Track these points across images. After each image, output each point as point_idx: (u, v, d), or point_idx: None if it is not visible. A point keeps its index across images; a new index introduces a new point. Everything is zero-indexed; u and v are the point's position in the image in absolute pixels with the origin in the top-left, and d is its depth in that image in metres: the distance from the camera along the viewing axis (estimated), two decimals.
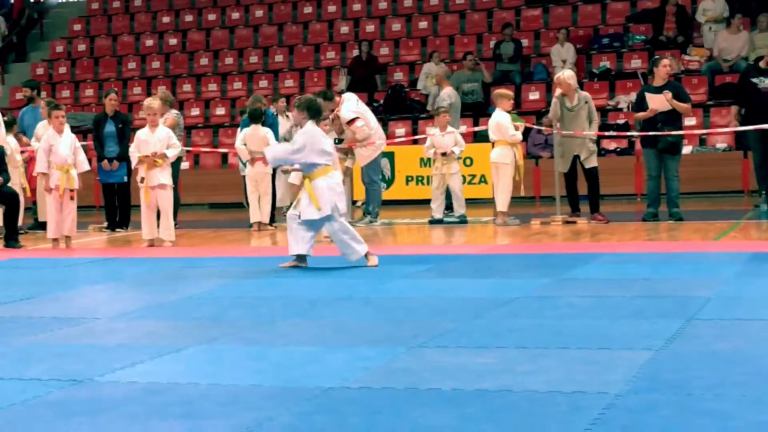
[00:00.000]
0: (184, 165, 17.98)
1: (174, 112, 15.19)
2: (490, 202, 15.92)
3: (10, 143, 15.20)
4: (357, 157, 14.91)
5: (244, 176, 14.98)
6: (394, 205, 17.72)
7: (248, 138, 14.41)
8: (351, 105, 14.75)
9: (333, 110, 14.47)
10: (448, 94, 16.09)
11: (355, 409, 4.60)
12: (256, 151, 14.07)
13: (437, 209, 14.67)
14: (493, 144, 14.17)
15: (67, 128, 12.91)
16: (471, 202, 14.82)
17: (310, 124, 9.75)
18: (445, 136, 14.65)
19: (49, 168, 12.59)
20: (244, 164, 14.84)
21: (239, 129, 14.98)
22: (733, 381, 4.86)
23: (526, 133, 18.17)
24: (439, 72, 17.42)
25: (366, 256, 9.71)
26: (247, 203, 14.78)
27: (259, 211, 14.47)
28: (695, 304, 7.07)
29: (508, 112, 14.22)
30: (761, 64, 15.11)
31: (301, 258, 9.79)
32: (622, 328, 6.29)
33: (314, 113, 9.81)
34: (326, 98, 14.67)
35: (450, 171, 14.60)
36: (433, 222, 14.56)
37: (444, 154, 14.57)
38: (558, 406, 4.51)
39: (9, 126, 15.77)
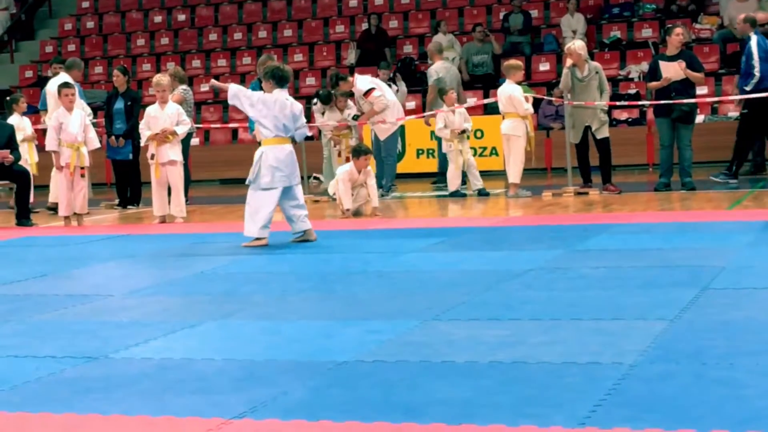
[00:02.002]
0: (194, 141, 17.98)
1: (181, 87, 15.17)
2: (501, 175, 15.90)
3: (13, 121, 15.22)
4: (376, 131, 14.92)
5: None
6: (405, 179, 17.69)
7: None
8: (365, 79, 14.78)
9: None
10: (435, 70, 15.91)
11: (370, 382, 4.60)
12: None
13: (458, 184, 14.49)
14: (503, 116, 14.12)
15: (77, 106, 12.89)
16: (482, 175, 14.76)
17: (277, 92, 9.74)
18: (455, 114, 14.55)
19: (60, 146, 12.58)
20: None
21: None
22: (747, 350, 4.84)
23: (537, 104, 18.12)
24: (429, 46, 17.19)
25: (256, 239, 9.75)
26: None
27: None
28: (709, 273, 7.05)
29: (519, 83, 14.17)
30: None
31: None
32: (635, 299, 6.27)
33: (279, 80, 9.80)
34: (340, 79, 14.74)
35: (466, 147, 14.53)
36: (456, 195, 14.41)
37: (463, 132, 14.48)
38: (573, 377, 4.50)
39: (15, 102, 15.77)
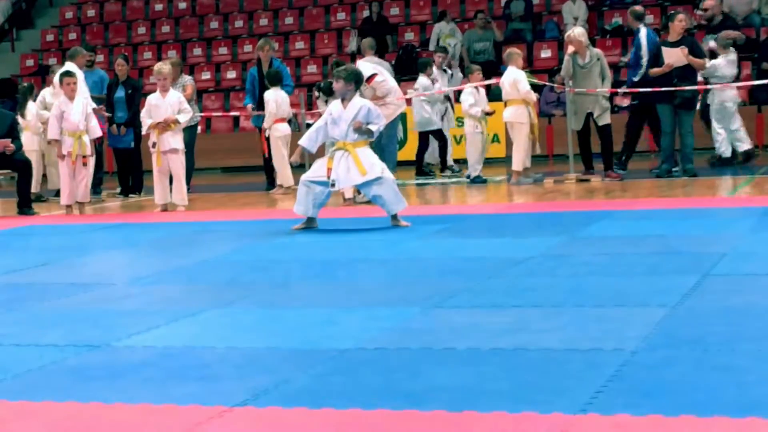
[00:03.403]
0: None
1: (188, 78, 15.18)
2: (502, 162, 15.89)
3: (31, 109, 15.22)
4: None
5: (267, 138, 14.66)
6: (407, 166, 17.67)
7: (274, 99, 14.30)
8: (367, 64, 14.71)
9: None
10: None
11: (372, 369, 4.60)
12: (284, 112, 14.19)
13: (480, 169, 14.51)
14: (505, 103, 14.11)
15: (79, 94, 12.87)
16: (485, 162, 14.76)
17: (359, 95, 9.89)
18: (478, 93, 14.51)
19: (61, 134, 12.57)
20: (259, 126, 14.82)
21: (251, 83, 14.97)
22: (749, 336, 4.85)
23: (539, 90, 18.11)
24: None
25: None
26: (269, 166, 14.71)
27: (288, 174, 14.28)
28: (710, 259, 7.05)
29: (524, 70, 14.19)
30: None
31: (311, 220, 9.80)
32: (637, 285, 6.28)
33: (360, 83, 9.97)
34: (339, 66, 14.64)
35: (486, 130, 14.53)
36: (477, 181, 14.41)
37: (488, 114, 14.48)
38: (574, 363, 4.50)
39: (30, 92, 15.79)
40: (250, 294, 6.67)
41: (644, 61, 13.90)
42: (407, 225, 9.63)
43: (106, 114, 14.35)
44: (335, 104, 9.86)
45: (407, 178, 15.78)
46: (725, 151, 14.94)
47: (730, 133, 14.88)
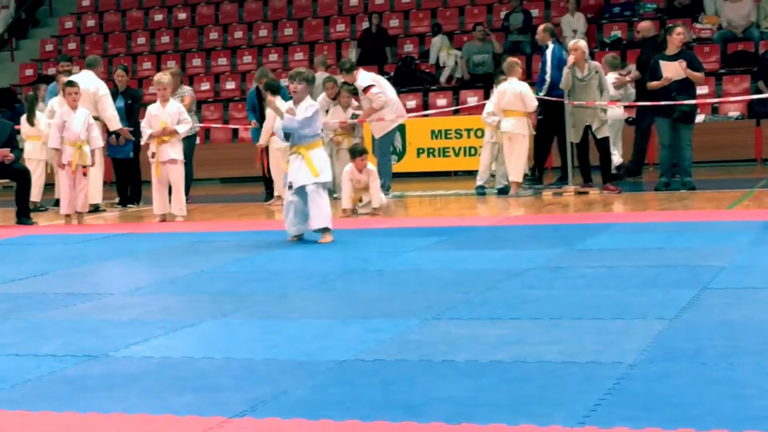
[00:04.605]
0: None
1: (187, 88, 15.18)
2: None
3: (41, 118, 15.23)
4: (372, 128, 14.89)
5: (264, 149, 14.61)
6: (405, 178, 17.70)
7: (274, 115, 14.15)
8: (367, 75, 14.77)
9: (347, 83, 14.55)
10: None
11: (370, 381, 4.60)
12: None
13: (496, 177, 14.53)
14: (502, 114, 14.10)
15: (80, 104, 12.87)
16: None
17: (313, 98, 9.84)
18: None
19: (62, 144, 12.58)
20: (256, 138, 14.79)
21: (251, 104, 14.93)
22: (747, 350, 4.85)
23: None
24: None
25: (323, 231, 9.72)
26: (269, 177, 14.68)
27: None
28: (708, 273, 7.05)
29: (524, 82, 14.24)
30: None
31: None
32: (635, 298, 6.28)
33: (312, 84, 9.95)
34: (345, 69, 14.69)
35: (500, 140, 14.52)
36: (501, 191, 14.42)
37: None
38: (573, 376, 4.51)
39: (35, 101, 15.82)
40: (249, 305, 6.67)
41: (548, 76, 14.24)
42: (326, 241, 9.64)
43: (131, 138, 14.38)
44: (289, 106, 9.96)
45: (406, 190, 15.79)
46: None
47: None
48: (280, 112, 9.80)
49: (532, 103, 13.88)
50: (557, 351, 4.96)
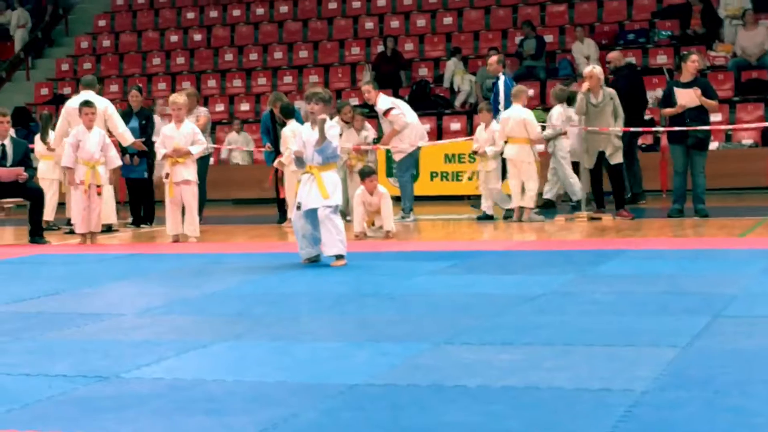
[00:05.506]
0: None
1: (203, 109, 15.22)
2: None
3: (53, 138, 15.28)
4: (392, 151, 14.94)
5: (276, 172, 14.60)
6: (418, 201, 17.68)
7: (290, 136, 14.04)
8: (387, 99, 14.82)
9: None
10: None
11: (380, 405, 4.59)
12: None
13: (484, 205, 14.55)
14: (505, 140, 14.11)
15: (96, 125, 12.89)
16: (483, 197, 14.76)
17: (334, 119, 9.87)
18: (485, 133, 14.50)
19: (76, 162, 12.61)
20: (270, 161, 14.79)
21: (264, 126, 14.94)
22: (759, 378, 4.83)
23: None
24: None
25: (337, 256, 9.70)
26: (281, 199, 14.67)
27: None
28: (721, 300, 7.03)
29: (534, 107, 14.23)
30: None
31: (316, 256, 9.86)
32: (647, 325, 6.26)
33: (329, 104, 9.97)
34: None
35: (486, 168, 14.49)
36: (480, 218, 14.45)
37: (475, 153, 14.51)
38: (584, 403, 4.49)
39: (50, 120, 15.88)
40: (260, 327, 6.67)
41: (501, 106, 14.57)
42: (339, 265, 9.61)
43: (144, 148, 14.39)
44: (306, 128, 9.93)
45: (419, 213, 15.79)
46: (572, 194, 15.15)
47: (565, 179, 15.08)
48: (323, 134, 9.71)
49: (535, 130, 13.90)
50: (569, 377, 4.95)
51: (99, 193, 12.65)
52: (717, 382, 4.79)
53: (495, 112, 14.64)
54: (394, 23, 23.88)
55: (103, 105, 14.02)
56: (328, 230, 9.59)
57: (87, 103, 12.88)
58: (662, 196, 17.56)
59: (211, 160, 19.18)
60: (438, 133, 20.27)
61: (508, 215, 14.30)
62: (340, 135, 14.81)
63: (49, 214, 14.66)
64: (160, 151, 12.66)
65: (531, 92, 18.20)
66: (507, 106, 14.42)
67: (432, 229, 14.13)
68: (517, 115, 13.95)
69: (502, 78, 14.91)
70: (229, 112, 22.89)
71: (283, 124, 14.30)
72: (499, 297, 7.54)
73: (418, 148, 15.06)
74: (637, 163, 16.06)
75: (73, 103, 14.09)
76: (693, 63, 13.74)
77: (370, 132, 15.17)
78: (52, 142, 15.06)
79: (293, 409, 4.54)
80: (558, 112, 15.13)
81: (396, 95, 20.61)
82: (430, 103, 21.15)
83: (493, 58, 15.44)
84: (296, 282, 8.82)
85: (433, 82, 21.96)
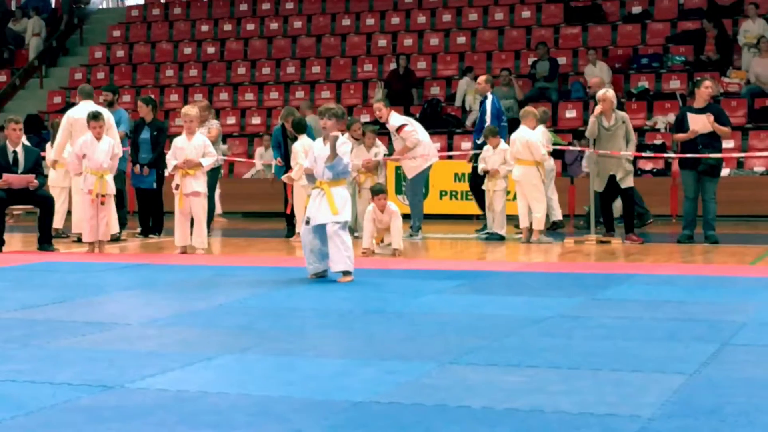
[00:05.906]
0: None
1: (215, 121, 15.24)
2: (511, 219, 15.82)
3: (66, 147, 15.27)
4: (404, 168, 14.96)
5: (286, 186, 14.59)
6: (427, 220, 17.66)
7: (301, 150, 13.98)
8: (399, 116, 14.83)
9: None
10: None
11: (384, 423, 4.57)
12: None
13: (489, 224, 14.56)
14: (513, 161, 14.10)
15: (105, 135, 12.88)
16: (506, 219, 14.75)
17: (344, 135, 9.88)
18: (494, 154, 14.47)
19: (84, 171, 12.62)
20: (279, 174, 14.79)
21: (276, 141, 14.94)
22: (767, 407, 4.80)
23: (560, 154, 18.21)
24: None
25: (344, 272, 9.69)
26: (291, 213, 14.65)
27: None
28: (730, 328, 7.00)
29: (548, 129, 14.23)
30: None
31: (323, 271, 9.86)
32: (655, 351, 6.23)
33: (342, 120, 9.96)
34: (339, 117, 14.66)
35: (493, 188, 14.47)
36: (489, 238, 14.45)
37: (486, 173, 14.49)
38: (590, 427, 4.47)
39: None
40: (266, 341, 6.65)
41: (487, 125, 14.71)
42: (345, 281, 9.60)
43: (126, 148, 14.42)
44: (318, 143, 9.94)
45: (427, 232, 15.76)
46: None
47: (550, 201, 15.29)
48: (334, 150, 9.71)
49: (539, 152, 13.88)
50: (575, 401, 4.92)
51: (103, 203, 12.61)
52: (724, 410, 4.77)
53: (479, 131, 14.96)
54: (407, 41, 23.90)
55: (106, 114, 14.04)
56: (336, 246, 9.59)
57: (95, 117, 12.83)
58: (672, 221, 17.53)
59: (222, 172, 19.22)
60: (448, 152, 20.26)
61: (491, 237, 14.33)
62: (351, 151, 14.83)
63: (58, 222, 14.66)
64: (171, 162, 12.65)
65: None
66: (494, 124, 14.63)
67: (440, 248, 14.12)
68: (522, 136, 13.95)
69: (489, 97, 15.11)
70: (241, 125, 22.92)
71: (295, 139, 14.30)
72: (506, 318, 7.51)
73: (429, 167, 15.06)
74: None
75: (75, 113, 14.11)
76: (706, 89, 13.72)
77: (380, 149, 15.16)
78: (53, 154, 14.96)
79: (297, 425, 4.52)
80: (540, 131, 15.11)
81: (407, 113, 20.62)
82: (442, 121, 21.14)
83: (482, 78, 15.61)
84: (303, 297, 8.81)
85: (445, 100, 21.97)
